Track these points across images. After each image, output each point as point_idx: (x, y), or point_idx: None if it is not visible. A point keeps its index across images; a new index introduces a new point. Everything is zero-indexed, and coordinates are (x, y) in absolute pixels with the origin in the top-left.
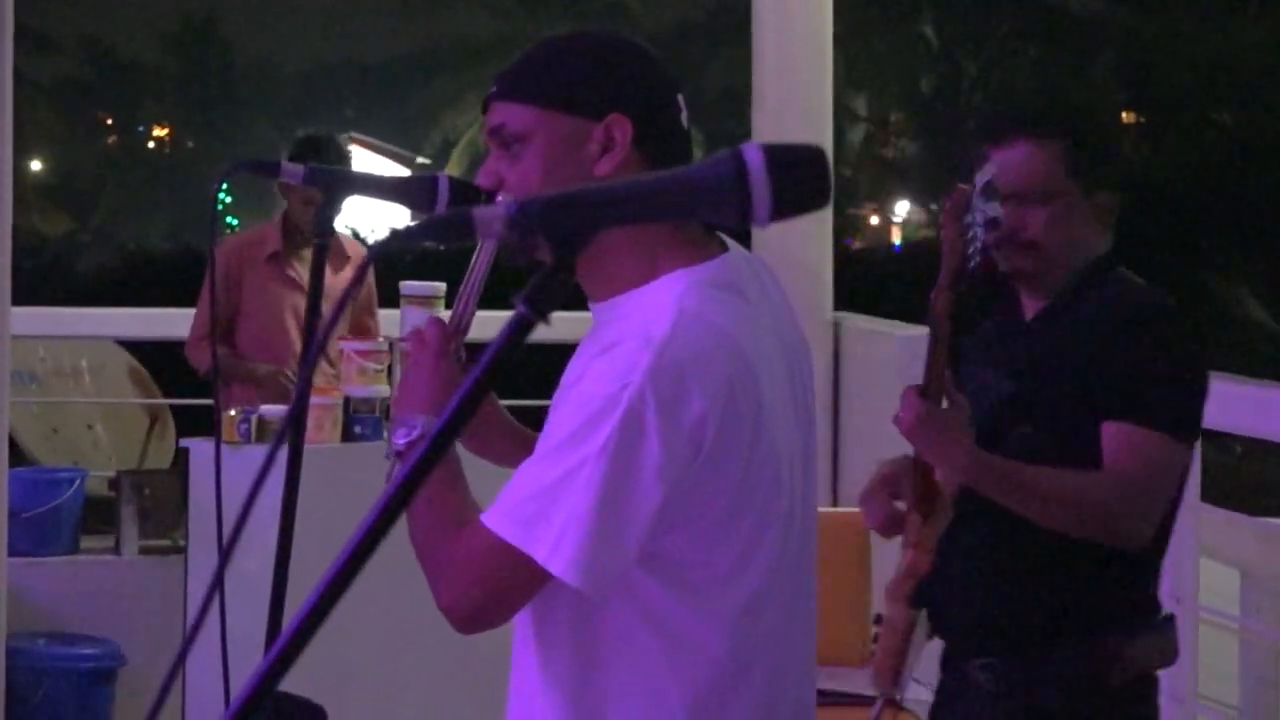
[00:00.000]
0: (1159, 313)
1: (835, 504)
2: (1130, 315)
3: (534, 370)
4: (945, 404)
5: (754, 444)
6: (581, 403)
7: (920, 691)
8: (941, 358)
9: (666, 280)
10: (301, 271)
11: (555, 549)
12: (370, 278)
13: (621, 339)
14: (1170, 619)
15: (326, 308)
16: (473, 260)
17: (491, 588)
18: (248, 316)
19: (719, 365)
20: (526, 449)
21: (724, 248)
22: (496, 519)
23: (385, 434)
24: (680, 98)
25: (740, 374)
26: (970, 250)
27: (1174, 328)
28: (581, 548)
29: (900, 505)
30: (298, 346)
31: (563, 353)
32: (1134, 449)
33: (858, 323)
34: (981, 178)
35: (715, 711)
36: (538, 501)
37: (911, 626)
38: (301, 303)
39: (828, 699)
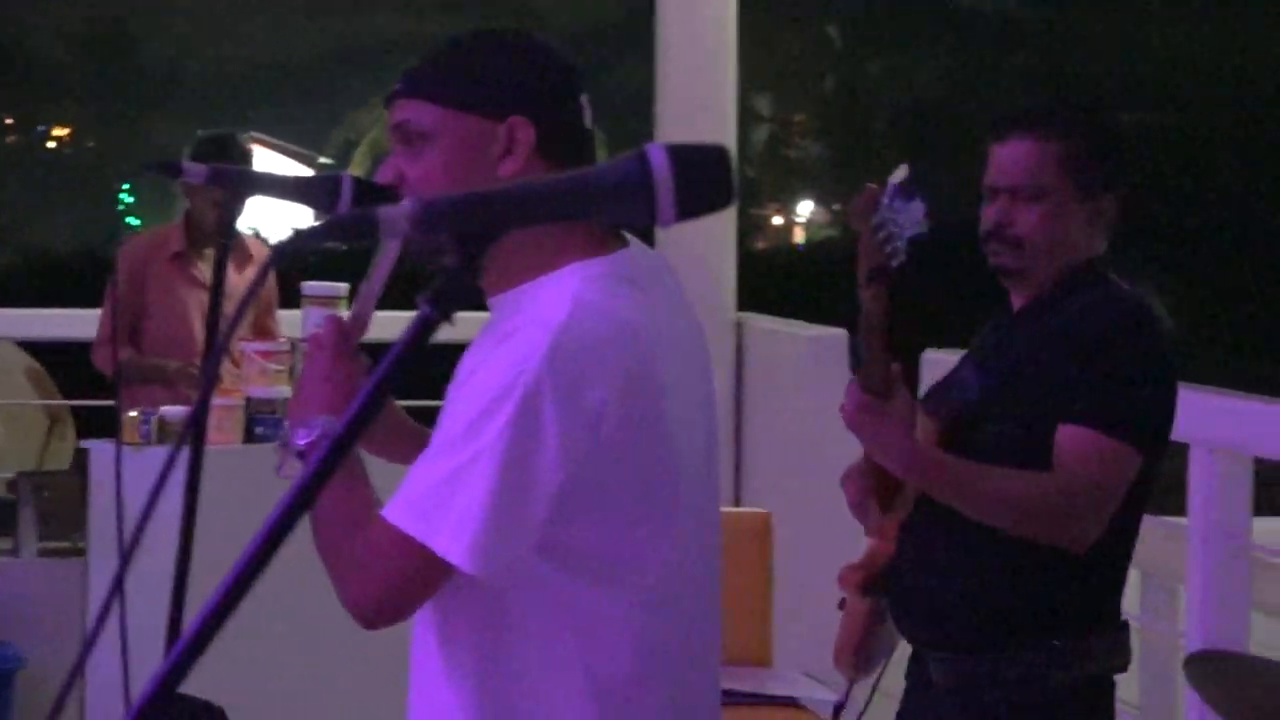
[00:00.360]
0: (1132, 321)
1: (738, 503)
2: (1103, 320)
3: (436, 370)
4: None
5: (657, 435)
6: (478, 392)
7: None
8: (878, 351)
9: (565, 272)
10: (205, 271)
11: (454, 538)
12: (272, 278)
13: (519, 329)
14: (1124, 625)
15: (230, 308)
16: (375, 259)
17: (395, 582)
18: (153, 318)
19: (618, 354)
20: (418, 444)
21: (624, 244)
22: (396, 513)
23: (284, 426)
24: (585, 98)
25: (640, 364)
26: (889, 249)
27: (1144, 337)
28: (479, 535)
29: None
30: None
31: (463, 352)
32: (1082, 452)
33: (761, 323)
34: (894, 178)
35: (625, 700)
36: (436, 493)
37: (872, 614)
38: (207, 301)
39: (729, 698)
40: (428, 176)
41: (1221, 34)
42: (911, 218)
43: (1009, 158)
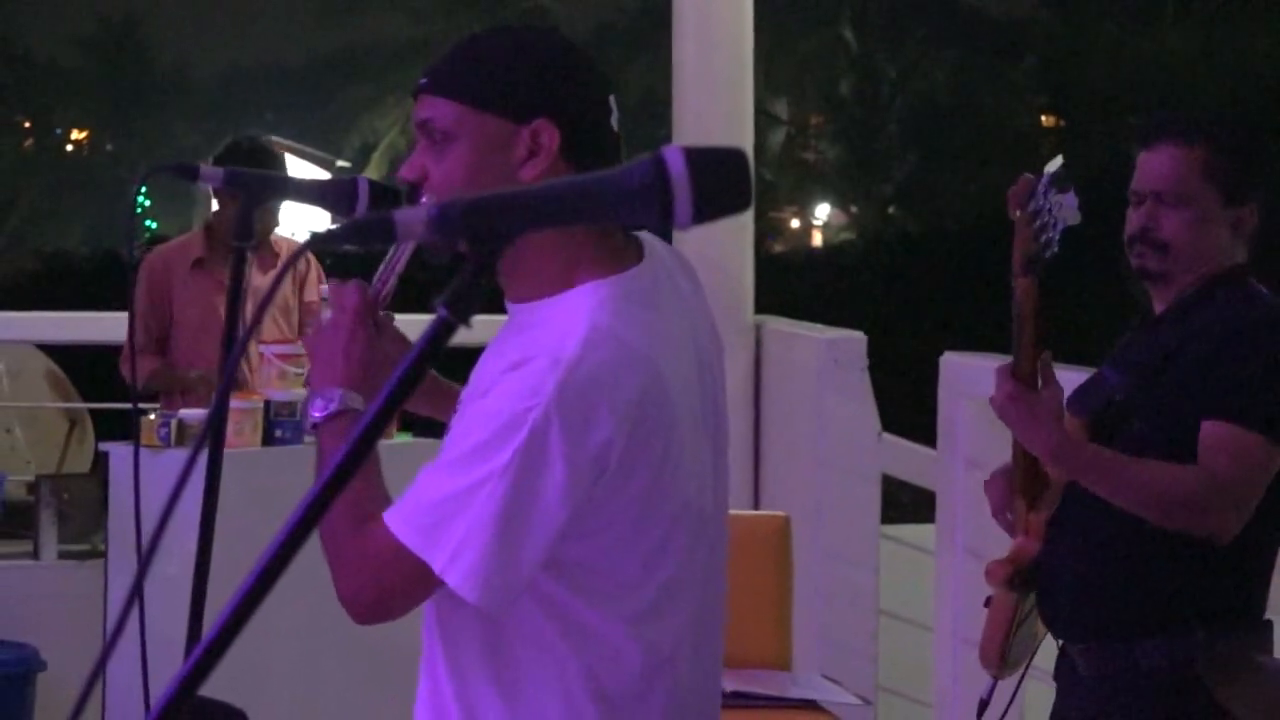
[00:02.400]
0: (1273, 321)
1: (756, 506)
2: (1245, 320)
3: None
4: (1041, 386)
5: (663, 458)
6: (488, 417)
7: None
8: (1028, 341)
9: (581, 291)
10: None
11: (453, 561)
12: (315, 280)
13: (532, 354)
14: (1268, 624)
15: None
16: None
17: (386, 586)
18: (181, 326)
19: (628, 384)
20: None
21: (640, 253)
22: (398, 521)
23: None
24: (612, 98)
25: (650, 391)
26: (1044, 239)
27: None
28: (479, 564)
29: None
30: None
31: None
32: (1227, 446)
33: (778, 325)
34: (1050, 167)
35: (628, 708)
36: (440, 510)
37: (1015, 610)
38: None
39: (748, 701)
40: (449, 176)
41: (1228, 39)
42: (1066, 209)
43: (1155, 164)
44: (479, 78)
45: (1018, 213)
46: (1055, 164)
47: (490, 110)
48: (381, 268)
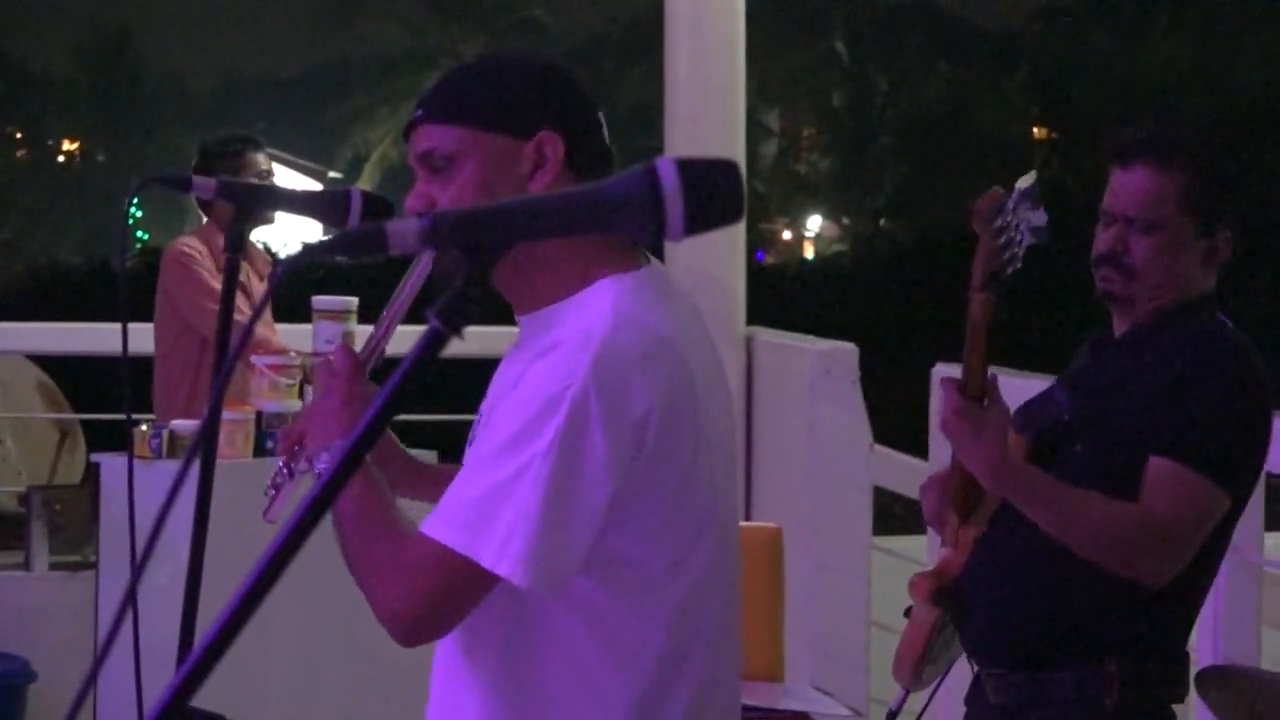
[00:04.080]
0: (1233, 360)
1: (748, 518)
2: (1203, 357)
3: (452, 385)
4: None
5: (694, 448)
6: (522, 405)
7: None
8: (978, 357)
9: (600, 286)
10: (243, 280)
11: (502, 551)
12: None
13: (560, 341)
14: (1184, 656)
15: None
16: (400, 285)
17: (434, 596)
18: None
19: (659, 366)
20: (412, 474)
21: (648, 259)
22: (438, 527)
23: (277, 469)
24: (601, 115)
25: (679, 377)
26: (1007, 255)
27: (1244, 377)
28: (530, 547)
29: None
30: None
31: (480, 367)
32: (1171, 487)
33: (770, 337)
34: (1023, 183)
35: (656, 705)
36: (482, 505)
37: (936, 624)
38: (248, 306)
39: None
40: (460, 199)
41: (1220, 52)
42: (1037, 226)
43: (1129, 185)
44: (477, 99)
45: (984, 228)
46: (1029, 179)
47: (494, 129)
48: (380, 318)
